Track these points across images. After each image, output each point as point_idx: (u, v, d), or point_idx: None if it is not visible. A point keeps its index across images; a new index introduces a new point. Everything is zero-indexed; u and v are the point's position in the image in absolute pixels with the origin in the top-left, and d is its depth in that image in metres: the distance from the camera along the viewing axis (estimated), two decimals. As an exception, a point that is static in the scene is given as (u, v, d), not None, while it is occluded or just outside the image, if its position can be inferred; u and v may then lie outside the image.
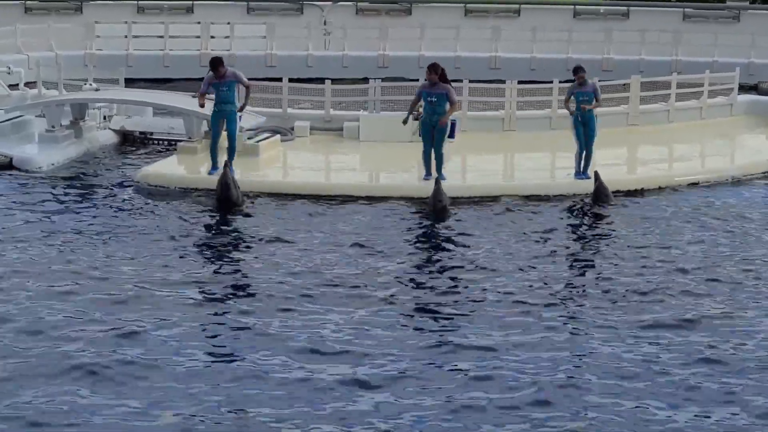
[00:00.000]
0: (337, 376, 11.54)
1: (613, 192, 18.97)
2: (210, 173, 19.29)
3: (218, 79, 19.34)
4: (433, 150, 19.29)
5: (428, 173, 19.30)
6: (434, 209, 18.12)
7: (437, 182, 18.38)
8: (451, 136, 19.38)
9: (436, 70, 19.19)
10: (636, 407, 10.93)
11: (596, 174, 18.85)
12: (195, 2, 35.66)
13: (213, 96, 19.70)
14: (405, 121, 19.66)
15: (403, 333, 12.84)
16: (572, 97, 19.72)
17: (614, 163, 21.27)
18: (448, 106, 19.23)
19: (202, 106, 19.66)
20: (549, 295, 14.18)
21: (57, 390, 11.13)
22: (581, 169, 19.73)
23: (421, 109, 22.45)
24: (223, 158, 19.22)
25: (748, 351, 12.38)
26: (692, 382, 11.48)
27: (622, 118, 24.52)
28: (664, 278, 14.89)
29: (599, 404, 10.97)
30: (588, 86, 19.67)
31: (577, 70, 19.79)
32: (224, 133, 19.62)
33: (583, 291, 14.48)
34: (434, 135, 19.24)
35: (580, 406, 10.95)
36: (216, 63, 19.41)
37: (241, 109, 19.73)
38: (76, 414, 10.63)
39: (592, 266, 15.63)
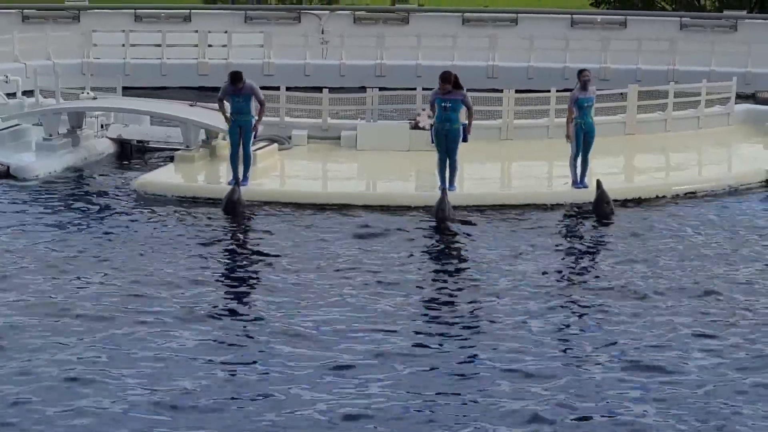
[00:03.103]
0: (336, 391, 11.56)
1: (610, 201, 18.95)
2: (230, 183, 19.12)
3: (235, 92, 19.34)
4: (448, 157, 19.14)
5: (443, 183, 18.97)
6: (437, 220, 18.04)
7: (443, 193, 18.28)
8: (465, 139, 19.24)
9: (448, 80, 18.98)
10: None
11: (599, 182, 18.75)
12: (192, 11, 35.70)
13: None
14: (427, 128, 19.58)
15: (402, 352, 12.74)
16: (574, 104, 19.59)
17: (611, 172, 21.24)
18: (463, 111, 19.14)
19: (228, 122, 19.51)
20: (552, 313, 14.03)
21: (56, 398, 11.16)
22: (579, 179, 19.71)
23: (419, 118, 22.57)
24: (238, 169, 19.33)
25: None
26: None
27: (620, 127, 24.52)
28: (668, 291, 14.89)
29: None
30: (590, 91, 19.62)
31: (581, 71, 19.67)
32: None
33: (588, 308, 14.31)
34: (448, 142, 19.11)
35: None
36: (236, 77, 19.31)
37: (256, 127, 19.72)
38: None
39: (596, 280, 15.55)
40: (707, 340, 13.03)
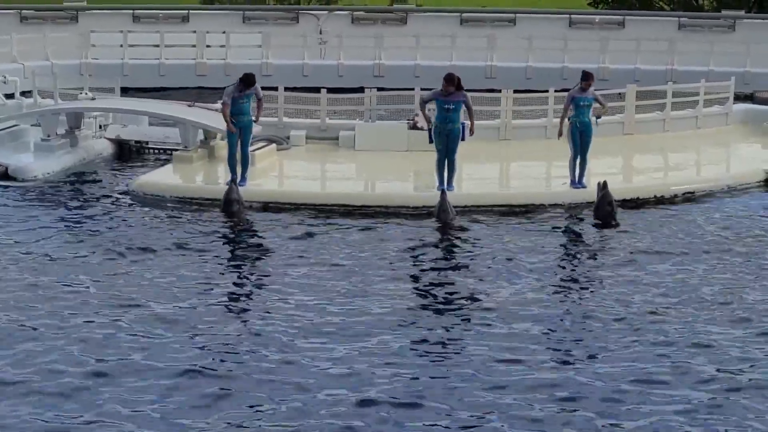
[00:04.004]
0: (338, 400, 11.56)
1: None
2: (227, 184, 19.09)
3: (241, 92, 19.31)
4: (447, 157, 19.13)
5: (441, 183, 19.06)
6: (439, 221, 18.02)
7: (443, 194, 18.28)
8: (462, 139, 19.28)
9: (452, 82, 18.95)
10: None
11: (604, 183, 18.57)
12: (191, 11, 35.72)
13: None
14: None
15: (404, 357, 12.68)
16: (571, 103, 19.58)
17: (610, 172, 21.23)
18: (462, 111, 19.12)
19: (232, 131, 19.31)
20: (556, 319, 13.95)
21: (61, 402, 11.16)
22: (577, 179, 19.70)
23: (417, 118, 22.56)
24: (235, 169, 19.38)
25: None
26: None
27: (618, 127, 24.53)
28: (668, 294, 14.88)
29: None
30: (588, 92, 19.62)
31: (588, 76, 19.67)
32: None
33: (592, 313, 14.21)
34: (449, 142, 19.09)
35: None
36: (251, 81, 19.29)
37: (256, 121, 19.73)
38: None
39: (594, 280, 15.54)
40: (707, 344, 13.00)
